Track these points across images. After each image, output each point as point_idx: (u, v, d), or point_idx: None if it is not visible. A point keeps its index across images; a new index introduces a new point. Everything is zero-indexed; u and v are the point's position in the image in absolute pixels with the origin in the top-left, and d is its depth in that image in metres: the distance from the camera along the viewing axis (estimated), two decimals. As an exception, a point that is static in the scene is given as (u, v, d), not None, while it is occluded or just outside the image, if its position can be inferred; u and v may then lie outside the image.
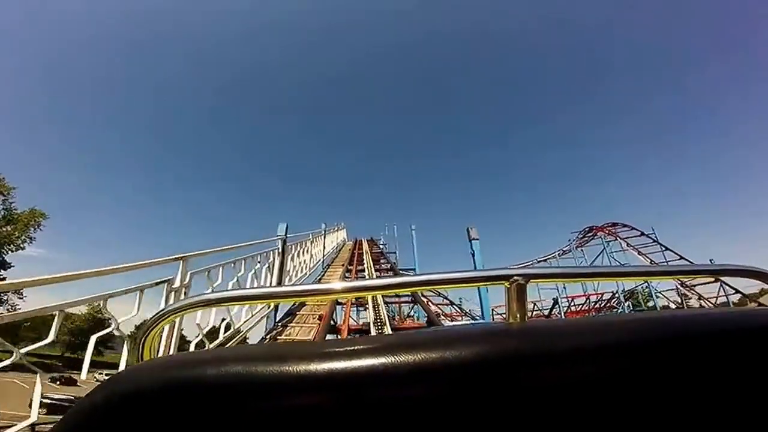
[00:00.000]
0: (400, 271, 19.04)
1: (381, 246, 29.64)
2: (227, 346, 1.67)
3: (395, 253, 27.02)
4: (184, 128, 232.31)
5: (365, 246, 27.07)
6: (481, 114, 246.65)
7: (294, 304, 7.71)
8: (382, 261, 22.77)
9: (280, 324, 6.96)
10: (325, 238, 14.61)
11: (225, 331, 4.65)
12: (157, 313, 0.60)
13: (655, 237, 27.83)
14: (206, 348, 3.78)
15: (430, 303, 20.48)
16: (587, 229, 33.88)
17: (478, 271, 0.60)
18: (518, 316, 0.55)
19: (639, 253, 28.06)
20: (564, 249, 34.55)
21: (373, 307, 8.55)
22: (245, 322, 5.42)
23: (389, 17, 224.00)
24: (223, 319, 4.76)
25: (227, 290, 0.75)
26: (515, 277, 0.55)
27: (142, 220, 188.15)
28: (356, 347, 0.39)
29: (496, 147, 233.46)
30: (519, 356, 0.38)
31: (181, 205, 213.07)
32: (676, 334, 0.41)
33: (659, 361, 0.38)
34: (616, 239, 30.18)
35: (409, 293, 10.07)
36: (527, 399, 0.36)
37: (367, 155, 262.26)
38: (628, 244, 29.02)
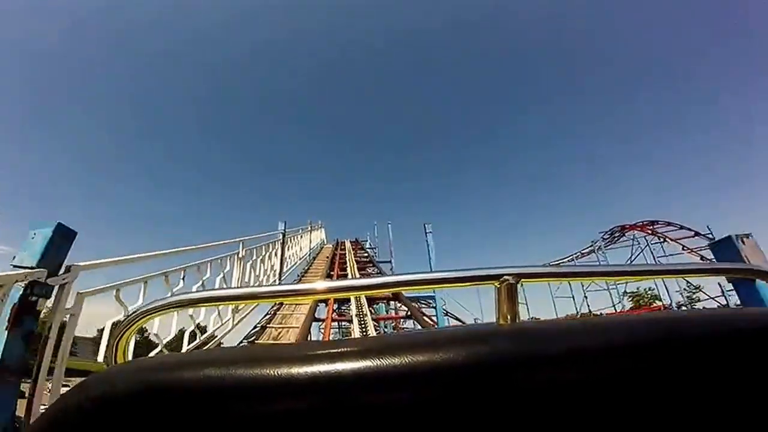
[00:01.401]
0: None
1: (369, 250, 24.01)
2: (204, 348, 1.69)
3: (390, 262, 20.71)
4: (163, 120, 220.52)
5: (348, 248, 21.79)
6: (477, 111, 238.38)
7: (274, 306, 7.41)
8: (370, 271, 17.37)
9: (259, 326, 6.68)
10: (283, 247, 8.87)
11: (201, 334, 4.24)
12: (130, 314, 0.58)
13: (713, 237, 22.22)
14: (181, 351, 3.59)
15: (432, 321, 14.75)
16: (618, 229, 29.00)
17: (467, 271, 0.57)
18: (509, 317, 0.53)
19: (702, 258, 22.50)
20: (583, 251, 29.86)
21: (356, 308, 8.25)
22: (222, 324, 4.89)
23: (380, 11, 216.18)
24: (198, 324, 4.25)
25: (205, 290, 0.63)
26: (505, 277, 0.54)
27: (122, 217, 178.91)
28: (339, 350, 0.39)
29: (500, 146, 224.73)
30: (508, 358, 0.38)
31: (163, 201, 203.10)
32: (669, 335, 0.41)
33: (652, 363, 0.38)
34: (665, 240, 24.74)
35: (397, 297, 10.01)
36: (517, 401, 0.35)
37: (356, 150, 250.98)
38: (684, 247, 23.54)
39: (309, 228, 15.03)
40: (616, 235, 28.92)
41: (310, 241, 14.49)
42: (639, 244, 27.45)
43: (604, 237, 29.33)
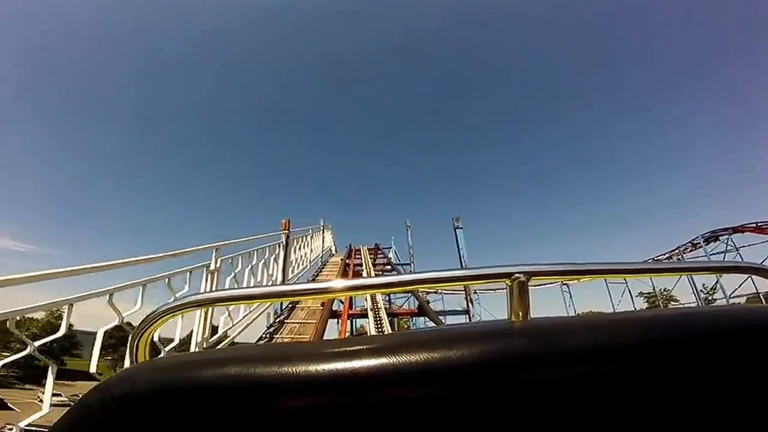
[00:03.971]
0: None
1: (400, 268, 16.93)
2: (220, 346, 2.06)
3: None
4: (171, 121, 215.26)
5: (366, 260, 15.46)
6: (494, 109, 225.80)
7: (289, 304, 7.00)
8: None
9: (276, 323, 6.40)
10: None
11: (212, 335, 4.13)
12: (150, 314, 0.59)
13: None
14: (198, 350, 3.62)
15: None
16: (726, 231, 22.55)
17: (478, 269, 0.57)
18: (520, 314, 0.52)
19: None
20: (656, 258, 24.41)
21: (372, 304, 8.04)
22: (239, 321, 4.75)
23: (391, 7, 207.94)
24: (214, 326, 4.28)
25: (223, 289, 0.70)
26: (517, 275, 0.53)
27: (134, 218, 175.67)
28: (357, 347, 0.38)
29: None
30: (522, 354, 0.37)
31: (174, 202, 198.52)
32: (683, 332, 0.40)
33: (665, 359, 0.37)
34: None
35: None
36: (531, 398, 0.35)
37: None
38: None
39: (283, 239, 7.01)
40: (717, 238, 22.79)
41: (305, 254, 7.78)
42: (737, 249, 22.29)
43: (695, 242, 23.40)
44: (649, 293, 31.15)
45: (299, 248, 8.81)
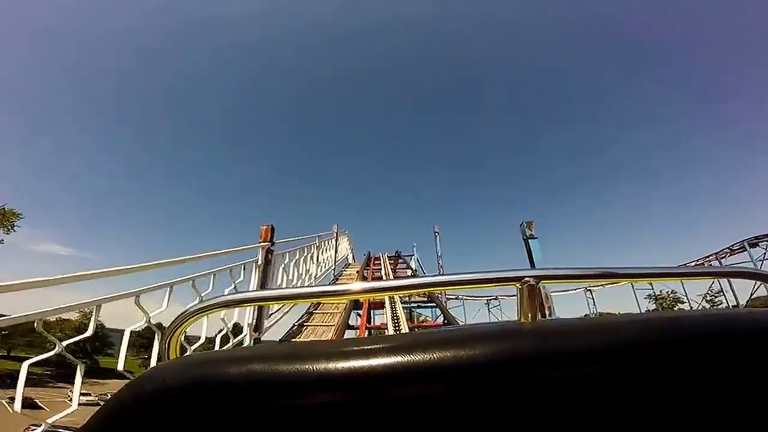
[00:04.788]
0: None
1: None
2: (245, 345, 2.17)
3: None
4: (197, 131, 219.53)
5: (387, 270, 15.00)
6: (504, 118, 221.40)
7: (310, 305, 6.99)
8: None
9: (297, 324, 6.17)
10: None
11: (234, 336, 3.85)
12: (182, 313, 0.60)
13: None
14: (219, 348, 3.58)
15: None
16: None
17: (490, 272, 0.58)
18: (530, 315, 0.53)
19: None
20: (687, 263, 22.22)
21: (390, 306, 7.78)
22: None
23: (415, 20, 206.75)
24: (237, 324, 4.01)
25: (249, 291, 0.74)
26: (527, 278, 0.54)
27: (167, 222, 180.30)
28: (375, 346, 0.39)
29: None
30: (531, 354, 0.38)
31: (205, 210, 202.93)
32: (688, 334, 0.40)
33: (671, 361, 0.38)
34: None
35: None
36: (539, 396, 0.36)
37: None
38: None
39: (260, 257, 4.58)
40: (757, 244, 21.23)
41: (316, 265, 6.22)
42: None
43: (733, 247, 21.92)
44: (657, 295, 32.28)
45: (297, 264, 6.21)
